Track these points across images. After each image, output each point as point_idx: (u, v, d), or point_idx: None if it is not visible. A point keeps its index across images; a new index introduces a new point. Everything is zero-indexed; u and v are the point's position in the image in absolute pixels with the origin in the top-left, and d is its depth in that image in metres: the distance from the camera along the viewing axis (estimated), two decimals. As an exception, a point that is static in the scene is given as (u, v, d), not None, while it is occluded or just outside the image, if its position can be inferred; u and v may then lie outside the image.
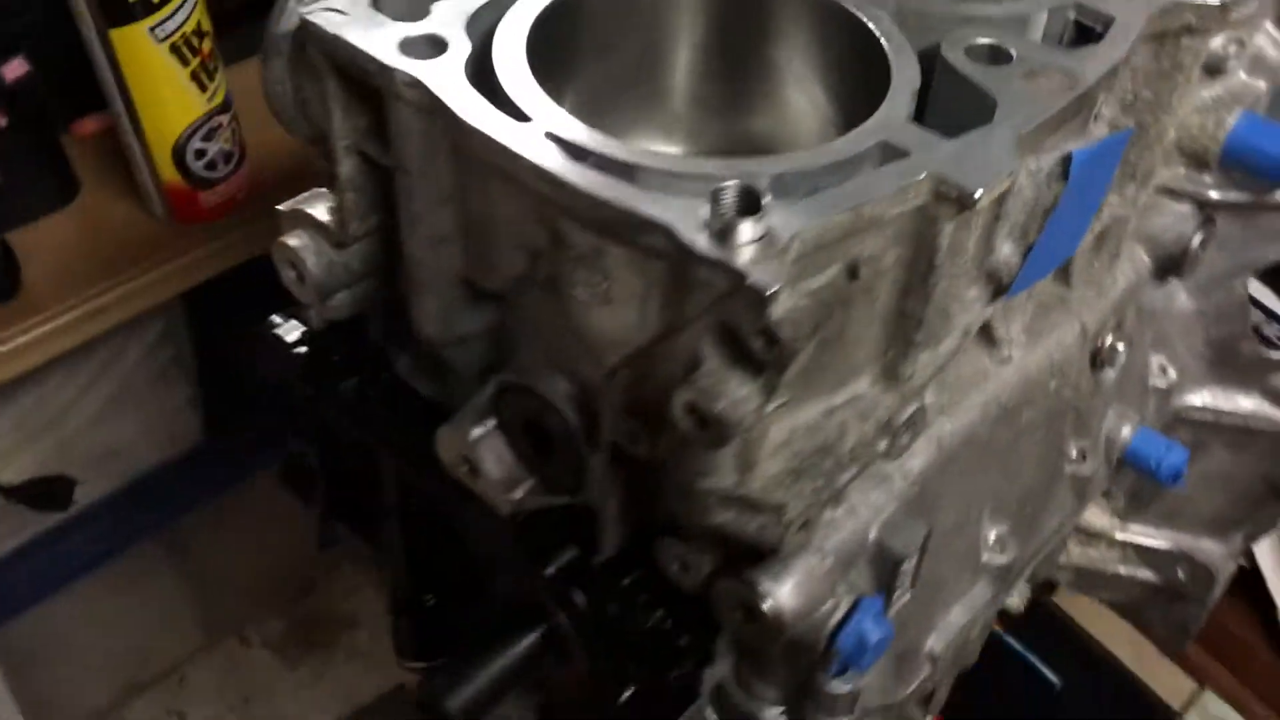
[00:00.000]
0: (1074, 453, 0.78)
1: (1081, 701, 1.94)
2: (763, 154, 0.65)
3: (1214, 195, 0.75)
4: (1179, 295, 0.82)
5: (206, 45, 1.08)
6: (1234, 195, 0.75)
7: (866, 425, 0.57)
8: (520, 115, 0.52)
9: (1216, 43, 0.70)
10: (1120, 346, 0.75)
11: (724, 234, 0.45)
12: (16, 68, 1.08)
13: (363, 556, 1.95)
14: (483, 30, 0.56)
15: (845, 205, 0.48)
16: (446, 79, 0.52)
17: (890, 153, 0.51)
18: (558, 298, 0.54)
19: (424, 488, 0.72)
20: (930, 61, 0.57)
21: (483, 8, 0.57)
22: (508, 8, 0.57)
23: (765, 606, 0.57)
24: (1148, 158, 0.68)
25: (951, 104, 0.56)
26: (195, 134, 1.11)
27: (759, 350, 0.46)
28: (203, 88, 1.09)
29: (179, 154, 1.11)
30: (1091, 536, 0.98)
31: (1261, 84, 0.74)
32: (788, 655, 0.64)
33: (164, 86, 1.07)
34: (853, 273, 0.51)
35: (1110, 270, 0.74)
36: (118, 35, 1.02)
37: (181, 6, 1.03)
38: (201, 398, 1.66)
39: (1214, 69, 0.71)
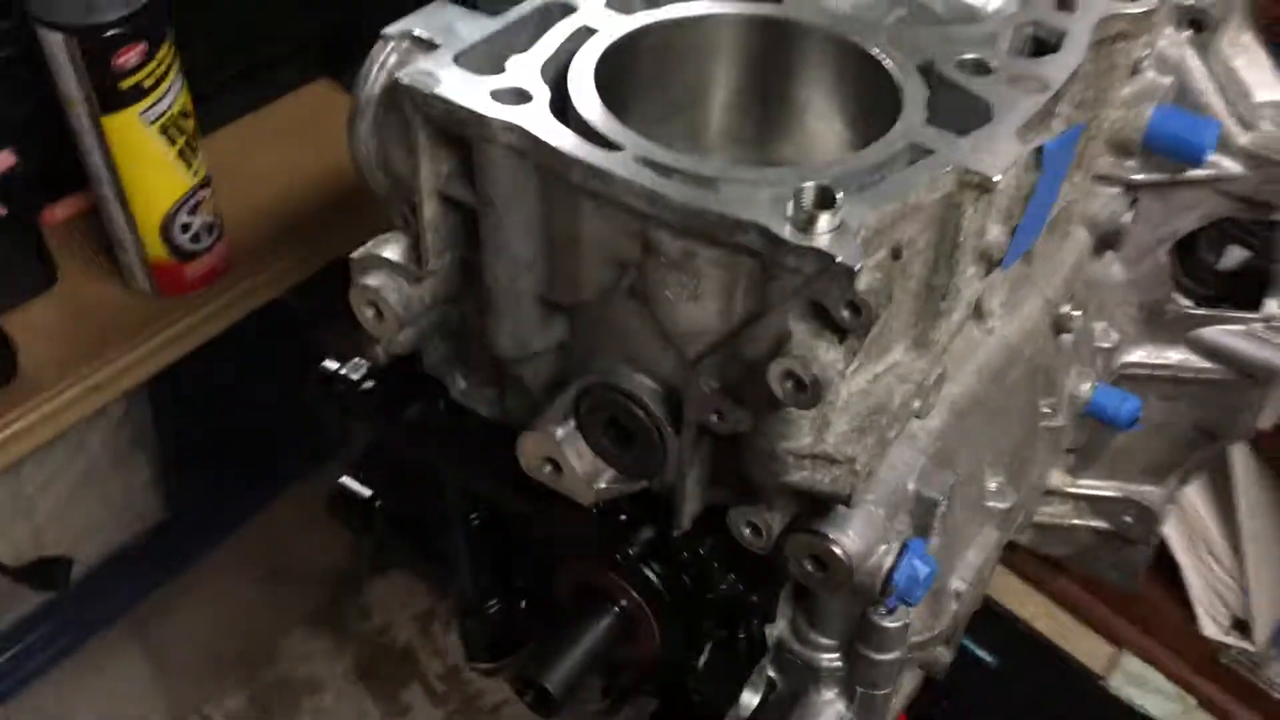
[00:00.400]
0: (1046, 408, 0.89)
1: (1016, 678, 2.08)
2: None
3: (1138, 177, 0.88)
4: (1113, 267, 0.94)
5: (190, 124, 1.14)
6: (1155, 176, 0.88)
7: (906, 386, 0.67)
8: (609, 145, 0.61)
9: (1138, 51, 0.84)
10: (1076, 313, 0.87)
11: (808, 225, 0.55)
12: (5, 159, 1.13)
13: (319, 619, 1.99)
14: (551, 79, 0.65)
15: (894, 196, 0.59)
16: (541, 122, 0.61)
17: (918, 152, 0.62)
18: (642, 302, 0.64)
19: (497, 497, 0.80)
20: (925, 76, 0.68)
21: (548, 60, 0.66)
22: (569, 59, 0.66)
23: (837, 551, 0.66)
24: (1092, 148, 0.80)
25: (951, 110, 0.67)
26: (181, 209, 1.16)
27: (847, 320, 0.56)
28: (188, 164, 1.15)
29: (165, 230, 1.17)
30: (1048, 494, 1.10)
31: (1167, 79, 0.87)
32: (846, 602, 0.74)
33: (153, 167, 1.13)
34: (896, 254, 0.62)
35: (1061, 249, 0.86)
36: (110, 121, 1.08)
37: (170, 89, 1.09)
38: (163, 476, 1.68)
39: (1133, 69, 0.84)
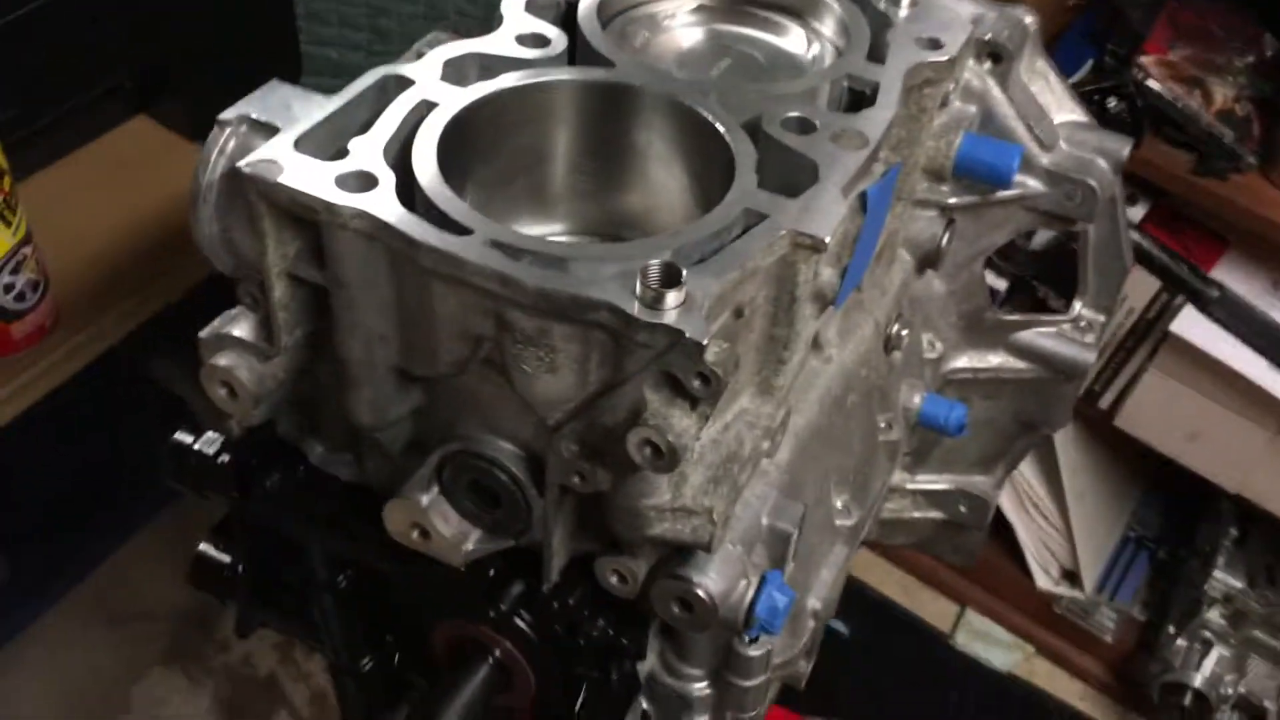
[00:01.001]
0: (883, 424, 0.95)
1: (868, 645, 2.18)
2: (635, 228, 0.78)
3: (952, 200, 0.94)
4: (934, 283, 1.00)
5: (7, 183, 1.10)
6: (968, 198, 0.94)
7: (755, 432, 0.71)
8: (459, 228, 0.62)
9: (947, 86, 0.89)
10: (904, 333, 0.93)
11: (656, 302, 0.58)
12: None
13: (174, 658, 1.95)
14: (395, 158, 0.66)
15: (734, 264, 0.62)
16: (388, 208, 0.62)
17: (753, 216, 0.65)
18: (499, 373, 0.65)
19: (365, 560, 0.81)
20: (754, 134, 0.72)
21: (389, 140, 0.67)
22: (411, 135, 0.67)
23: (701, 594, 0.69)
24: (908, 182, 0.85)
25: (780, 169, 0.70)
26: (3, 270, 1.12)
27: (698, 389, 0.59)
28: (6, 223, 1.11)
29: (-13, 291, 1.13)
30: (890, 491, 1.16)
31: (972, 108, 0.93)
32: (712, 635, 0.77)
33: (-33, 228, 1.08)
34: (739, 313, 0.65)
35: (889, 273, 0.92)
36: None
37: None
38: (-1, 535, 1.62)
39: (943, 103, 0.89)
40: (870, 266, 0.89)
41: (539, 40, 0.76)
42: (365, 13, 1.69)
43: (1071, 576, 2.26)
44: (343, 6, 1.62)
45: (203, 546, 0.90)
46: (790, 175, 0.69)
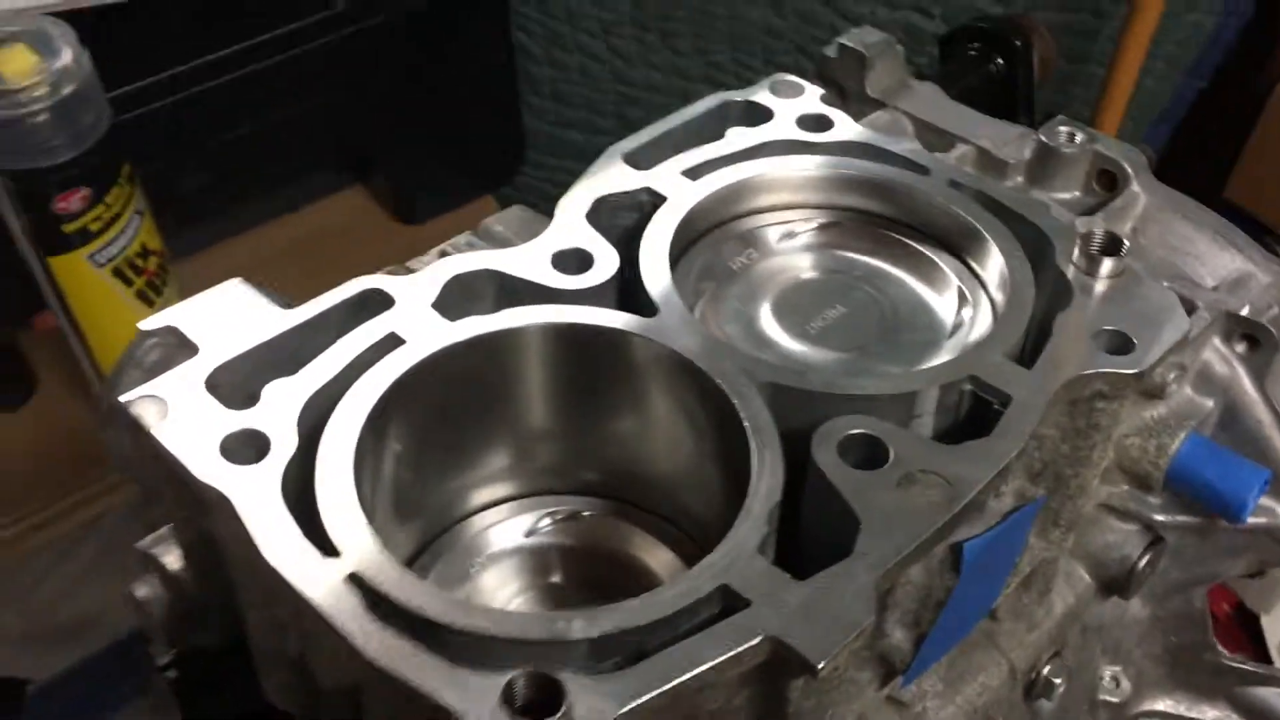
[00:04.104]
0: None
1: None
2: (622, 473, 0.61)
3: (1160, 518, 0.69)
4: (1133, 604, 0.75)
5: (153, 263, 1.06)
6: (1183, 518, 0.69)
7: None
8: (330, 546, 0.47)
9: (1158, 367, 0.65)
10: (1057, 680, 0.69)
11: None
12: (-37, 280, 1.07)
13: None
14: (315, 417, 0.52)
15: (672, 675, 0.43)
16: (258, 493, 0.48)
17: (731, 599, 0.46)
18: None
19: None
20: (806, 444, 0.52)
21: (317, 393, 0.53)
22: (346, 388, 0.53)
23: None
24: (1070, 508, 0.62)
25: (819, 510, 0.51)
26: (142, 350, 1.08)
27: None
28: (149, 303, 1.07)
29: (127, 367, 1.09)
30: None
31: (1209, 402, 0.68)
32: None
33: (106, 306, 1.05)
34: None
35: (1041, 603, 0.68)
36: (57, 263, 1.01)
37: (122, 233, 1.01)
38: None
39: (1152, 394, 0.65)
40: (1010, 597, 0.67)
41: (581, 261, 0.60)
42: (614, 99, 1.56)
43: None
44: (592, 93, 1.51)
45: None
46: (828, 524, 0.50)
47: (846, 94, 0.81)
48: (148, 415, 0.52)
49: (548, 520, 0.63)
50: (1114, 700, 0.77)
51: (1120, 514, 0.70)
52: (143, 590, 0.61)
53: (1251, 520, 0.69)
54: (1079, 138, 0.73)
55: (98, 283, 1.02)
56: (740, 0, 1.45)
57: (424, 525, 0.61)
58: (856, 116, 0.79)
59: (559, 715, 0.41)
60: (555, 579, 0.61)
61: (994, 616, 0.68)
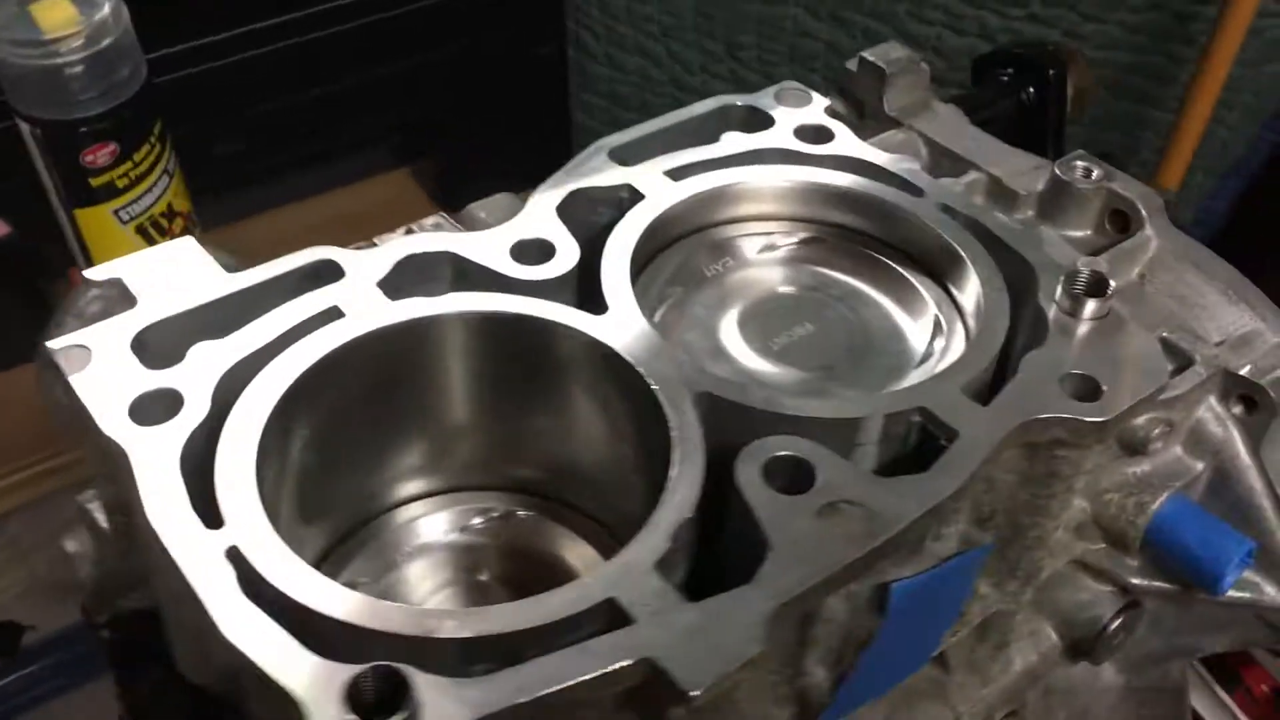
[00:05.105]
0: None
1: None
2: (558, 473, 0.59)
3: (1136, 581, 0.65)
4: (1105, 670, 0.71)
5: (178, 224, 1.07)
6: (1160, 584, 0.65)
7: None
8: (217, 517, 0.46)
9: (1140, 421, 0.61)
10: (1010, 740, 0.65)
11: (363, 734, 0.39)
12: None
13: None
14: (239, 385, 0.51)
15: (535, 687, 0.41)
16: (156, 454, 0.48)
17: (617, 615, 0.44)
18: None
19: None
20: (720, 464, 0.50)
21: (244, 361, 0.52)
22: (274, 357, 0.52)
23: None
24: (1028, 559, 0.59)
25: (736, 531, 0.48)
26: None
27: None
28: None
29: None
30: None
31: (1199, 464, 0.64)
32: None
33: (128, 263, 1.06)
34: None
35: (998, 657, 0.65)
36: (82, 215, 1.02)
37: (149, 192, 1.02)
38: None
39: (1133, 449, 0.62)
40: (962, 646, 0.64)
41: (541, 252, 0.58)
42: (670, 105, 1.53)
43: None
44: (649, 96, 1.50)
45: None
46: (743, 544, 0.47)
47: (865, 110, 0.78)
48: (68, 363, 0.51)
49: (480, 518, 0.61)
50: (1080, 770, 0.73)
51: (1095, 573, 0.66)
52: (72, 544, 0.61)
53: (1234, 594, 0.64)
54: (1095, 174, 0.69)
55: (122, 238, 1.03)
56: (808, 17, 1.42)
57: (351, 510, 0.60)
58: (872, 133, 0.76)
59: (400, 715, 0.39)
60: (483, 576, 0.60)
61: (945, 668, 0.65)
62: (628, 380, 0.52)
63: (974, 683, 0.65)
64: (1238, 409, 0.63)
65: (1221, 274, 0.67)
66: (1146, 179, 1.33)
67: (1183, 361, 0.63)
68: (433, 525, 0.61)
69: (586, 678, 0.42)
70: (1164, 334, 0.64)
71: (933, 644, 0.57)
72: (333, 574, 0.58)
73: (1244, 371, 0.62)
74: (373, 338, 0.53)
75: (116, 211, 1.01)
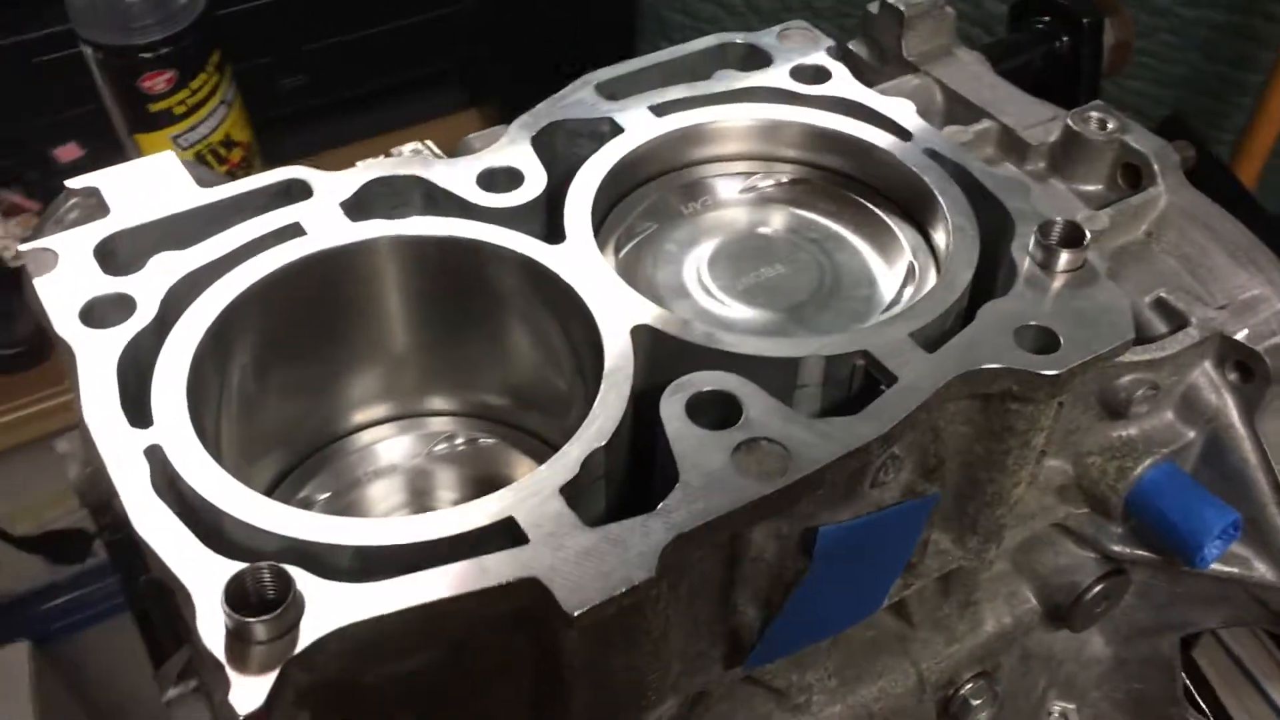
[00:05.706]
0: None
1: None
2: (515, 400, 0.59)
3: (1118, 549, 0.63)
4: (1093, 640, 0.69)
5: (236, 154, 1.10)
6: (1142, 553, 0.63)
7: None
8: (145, 417, 0.48)
9: (1123, 381, 0.59)
10: (975, 702, 0.64)
11: (239, 635, 0.40)
12: (71, 151, 1.13)
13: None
14: (195, 293, 0.53)
15: (419, 596, 0.42)
16: (99, 355, 0.49)
17: (515, 534, 0.44)
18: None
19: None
20: (644, 402, 0.49)
21: (201, 270, 0.53)
22: (231, 269, 0.53)
23: None
24: (988, 516, 0.57)
25: (659, 461, 0.48)
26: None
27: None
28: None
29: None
30: None
31: (1190, 431, 0.61)
32: None
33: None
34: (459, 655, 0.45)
35: (966, 616, 0.63)
36: (143, 139, 1.05)
37: (207, 119, 1.05)
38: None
39: (1115, 411, 0.59)
40: (926, 602, 0.63)
41: (509, 179, 0.59)
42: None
43: None
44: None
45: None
46: (665, 478, 0.47)
47: (885, 54, 0.76)
48: (35, 265, 0.53)
49: (444, 444, 0.62)
50: (1061, 738, 0.71)
51: (1076, 538, 0.64)
52: (63, 445, 0.64)
53: (1220, 567, 0.62)
54: (1110, 125, 0.66)
55: (179, 165, 1.06)
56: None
57: (310, 431, 0.61)
58: (888, 78, 0.74)
59: (276, 613, 0.40)
60: (440, 500, 0.61)
61: (910, 622, 0.63)
62: (565, 307, 0.52)
63: (939, 639, 0.63)
64: (1233, 376, 0.60)
65: (1233, 235, 0.64)
66: (1234, 147, 1.27)
67: (1177, 323, 0.60)
68: (394, 449, 0.62)
69: (471, 590, 0.42)
70: (1161, 293, 0.62)
71: (880, 594, 0.56)
72: (290, 491, 0.60)
73: (1240, 336, 0.59)
74: (312, 259, 0.54)
75: (175, 138, 1.05)
